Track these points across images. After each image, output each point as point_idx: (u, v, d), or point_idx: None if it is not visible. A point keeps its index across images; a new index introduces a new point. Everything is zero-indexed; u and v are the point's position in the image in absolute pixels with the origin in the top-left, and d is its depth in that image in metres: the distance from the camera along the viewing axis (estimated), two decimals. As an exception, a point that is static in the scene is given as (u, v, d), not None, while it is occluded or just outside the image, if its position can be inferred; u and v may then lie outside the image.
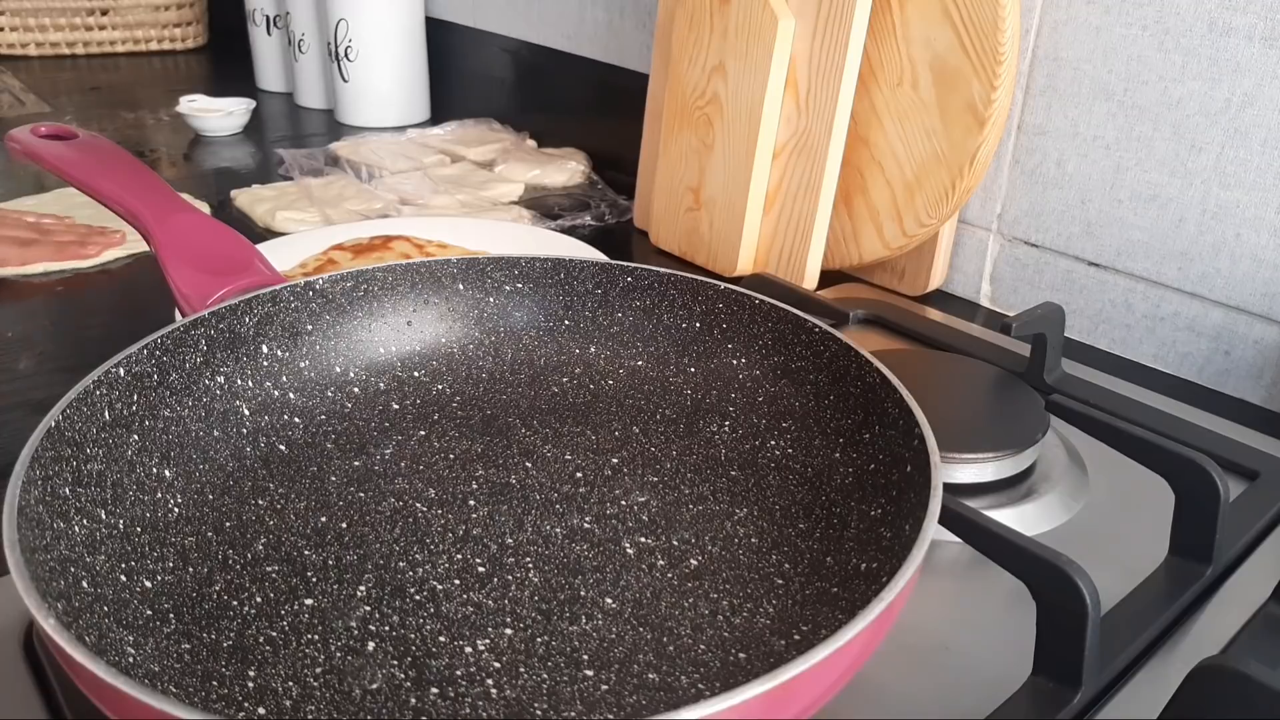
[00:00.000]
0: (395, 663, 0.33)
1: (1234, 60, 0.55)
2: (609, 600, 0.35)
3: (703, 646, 0.34)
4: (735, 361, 0.47)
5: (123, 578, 0.34)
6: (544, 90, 1.07)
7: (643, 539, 0.39)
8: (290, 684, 0.32)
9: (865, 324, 0.63)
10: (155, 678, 0.31)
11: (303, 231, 0.74)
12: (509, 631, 0.34)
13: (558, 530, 0.39)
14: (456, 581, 0.36)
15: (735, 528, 0.39)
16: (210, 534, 0.38)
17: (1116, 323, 0.64)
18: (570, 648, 0.33)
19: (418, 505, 0.40)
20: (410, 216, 0.79)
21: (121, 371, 0.38)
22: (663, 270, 0.49)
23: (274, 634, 0.33)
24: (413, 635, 0.34)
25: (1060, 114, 0.63)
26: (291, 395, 0.45)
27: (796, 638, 0.34)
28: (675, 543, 0.38)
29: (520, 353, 0.50)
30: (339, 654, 0.33)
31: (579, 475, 0.42)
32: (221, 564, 0.36)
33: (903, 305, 0.67)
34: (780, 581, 0.37)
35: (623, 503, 0.41)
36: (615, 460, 0.43)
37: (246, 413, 0.43)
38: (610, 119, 0.97)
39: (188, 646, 0.33)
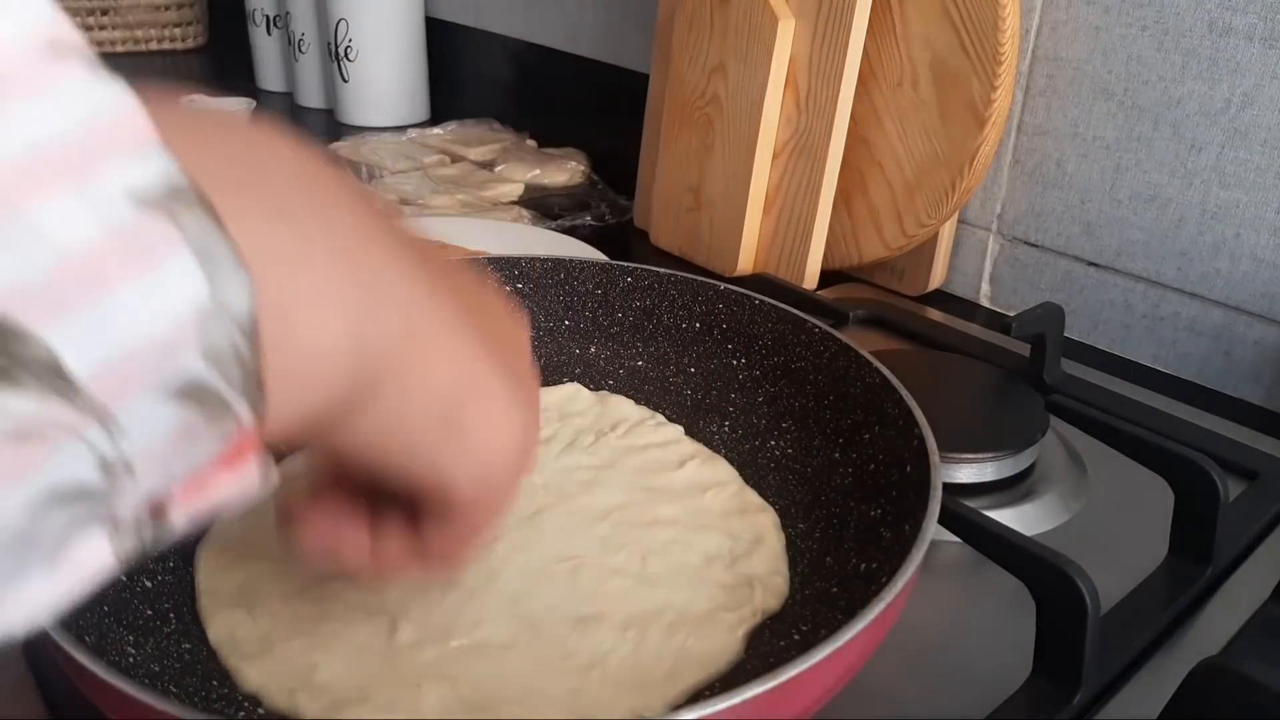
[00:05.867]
0: (395, 663, 0.33)
1: (1234, 60, 0.55)
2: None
3: (703, 646, 0.34)
4: (735, 361, 0.47)
5: (123, 578, 0.34)
6: (544, 90, 1.07)
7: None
8: (290, 684, 0.32)
9: (865, 324, 0.63)
10: (155, 678, 0.31)
11: (303, 231, 0.74)
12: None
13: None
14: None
15: (735, 528, 0.39)
16: (210, 534, 0.38)
17: (1116, 323, 0.64)
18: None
19: (418, 505, 0.40)
20: (410, 216, 0.79)
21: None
22: (663, 270, 0.49)
23: (274, 634, 0.33)
24: (413, 635, 0.34)
25: (1060, 114, 0.63)
26: (291, 395, 0.45)
27: (796, 638, 0.34)
28: (675, 543, 0.38)
29: (520, 353, 0.50)
30: (339, 654, 0.33)
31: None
32: (222, 564, 0.36)
33: (903, 305, 0.67)
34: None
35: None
36: (615, 460, 0.43)
37: (246, 413, 0.43)
38: (610, 119, 0.96)
39: (188, 646, 0.33)
